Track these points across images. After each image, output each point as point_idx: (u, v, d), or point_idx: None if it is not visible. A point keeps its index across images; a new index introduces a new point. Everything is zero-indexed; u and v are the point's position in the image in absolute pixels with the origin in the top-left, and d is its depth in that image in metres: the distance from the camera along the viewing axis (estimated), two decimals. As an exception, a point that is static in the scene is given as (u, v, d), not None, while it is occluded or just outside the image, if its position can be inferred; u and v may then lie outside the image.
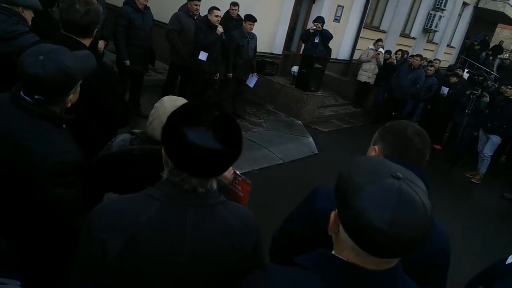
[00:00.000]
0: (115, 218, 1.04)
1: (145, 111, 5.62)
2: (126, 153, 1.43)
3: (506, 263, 1.50)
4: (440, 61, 10.43)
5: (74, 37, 1.95)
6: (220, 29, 5.66)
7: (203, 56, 5.67)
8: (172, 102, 1.45)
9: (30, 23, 2.56)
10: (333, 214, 0.93)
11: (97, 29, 2.05)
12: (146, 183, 1.12)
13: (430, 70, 8.58)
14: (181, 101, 1.48)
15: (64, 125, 1.48)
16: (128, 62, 5.22)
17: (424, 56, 9.25)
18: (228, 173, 1.85)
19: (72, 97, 1.47)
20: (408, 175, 0.85)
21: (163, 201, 1.05)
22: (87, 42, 2.02)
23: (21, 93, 1.38)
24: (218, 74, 6.15)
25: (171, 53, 5.89)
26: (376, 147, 1.37)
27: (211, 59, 5.81)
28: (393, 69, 9.02)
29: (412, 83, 8.38)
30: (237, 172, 1.92)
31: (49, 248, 1.43)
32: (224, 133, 1.03)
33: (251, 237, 1.17)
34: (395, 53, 9.75)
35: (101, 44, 4.56)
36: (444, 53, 16.23)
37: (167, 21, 5.90)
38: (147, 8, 5.25)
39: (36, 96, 1.37)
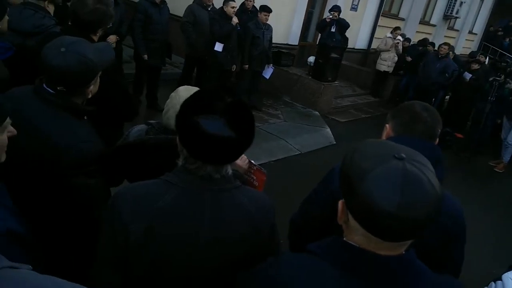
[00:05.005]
0: (137, 203, 1.07)
1: (163, 104, 5.67)
2: (142, 143, 1.47)
3: None
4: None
5: (78, 30, 1.85)
6: (235, 19, 5.68)
7: (219, 47, 5.71)
8: (187, 92, 1.47)
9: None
10: (340, 203, 0.91)
11: (102, 29, 1.97)
12: (161, 172, 1.14)
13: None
14: (196, 90, 1.50)
15: (85, 117, 1.52)
16: (146, 57, 5.29)
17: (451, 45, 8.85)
18: (243, 163, 1.87)
19: (93, 88, 1.51)
20: (412, 154, 0.83)
21: (180, 187, 1.08)
22: (92, 37, 1.94)
23: (44, 85, 1.42)
24: (235, 66, 6.15)
25: (186, 45, 5.94)
26: (387, 125, 1.40)
27: (227, 50, 5.83)
28: (419, 57, 8.76)
29: (440, 72, 8.13)
30: (252, 161, 1.94)
31: (71, 236, 1.48)
32: (236, 120, 1.05)
33: (268, 220, 1.19)
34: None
35: (112, 38, 4.60)
36: (466, 39, 15.77)
37: (182, 15, 5.95)
38: (163, 2, 5.30)
39: (58, 88, 1.41)
